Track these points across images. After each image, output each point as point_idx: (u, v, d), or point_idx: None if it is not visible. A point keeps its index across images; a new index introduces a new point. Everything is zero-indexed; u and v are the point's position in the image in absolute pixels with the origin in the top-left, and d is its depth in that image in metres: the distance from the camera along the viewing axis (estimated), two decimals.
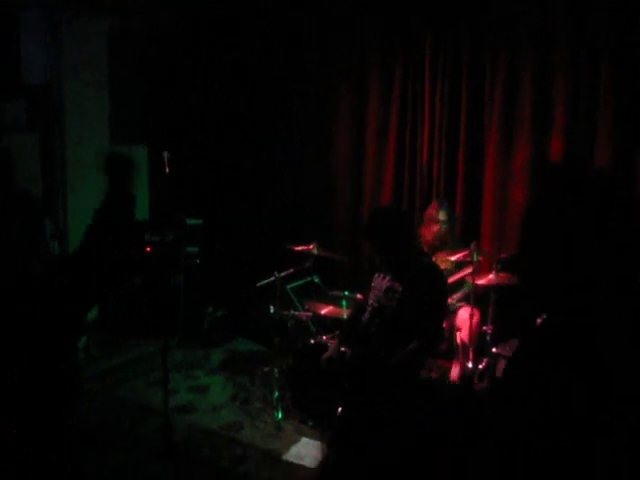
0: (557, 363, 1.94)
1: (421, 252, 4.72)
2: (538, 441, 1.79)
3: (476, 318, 5.33)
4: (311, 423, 5.21)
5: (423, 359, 4.58)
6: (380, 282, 4.45)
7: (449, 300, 5.54)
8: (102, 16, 6.87)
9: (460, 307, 5.50)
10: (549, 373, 1.90)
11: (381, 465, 1.87)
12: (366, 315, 4.47)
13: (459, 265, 5.53)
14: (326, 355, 4.77)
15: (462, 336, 5.34)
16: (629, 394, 1.80)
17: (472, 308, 5.23)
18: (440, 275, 4.41)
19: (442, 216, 5.60)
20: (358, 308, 4.86)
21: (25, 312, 2.14)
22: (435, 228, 5.60)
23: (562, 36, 5.40)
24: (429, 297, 4.14)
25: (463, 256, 5.31)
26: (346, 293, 5.66)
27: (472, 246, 5.14)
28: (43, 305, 2.16)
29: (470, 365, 5.28)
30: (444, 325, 5.39)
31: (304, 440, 5.08)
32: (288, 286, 6.15)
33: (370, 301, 4.46)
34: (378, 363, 4.14)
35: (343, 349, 4.77)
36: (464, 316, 5.34)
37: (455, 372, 5.53)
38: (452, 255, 5.39)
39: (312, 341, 5.33)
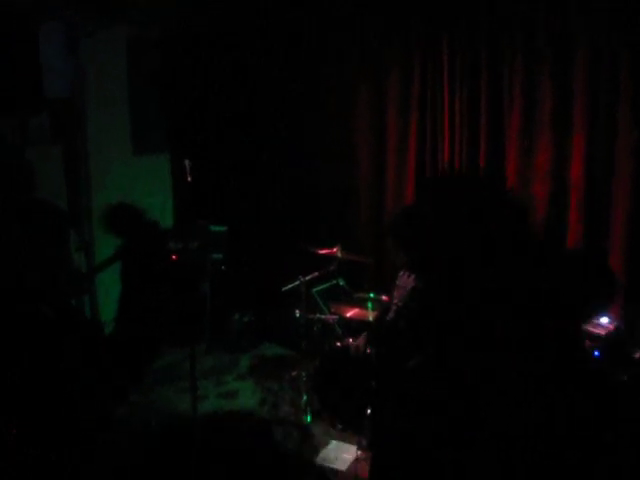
0: None
1: None
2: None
3: None
4: (340, 426, 5.22)
5: None
6: (405, 281, 4.38)
7: None
8: (121, 26, 6.93)
9: None
10: None
11: None
12: (391, 314, 4.41)
13: None
14: (354, 345, 4.74)
15: None
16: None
17: None
18: None
19: None
20: (385, 309, 4.84)
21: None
22: None
23: (580, 36, 5.36)
24: None
25: None
26: (371, 295, 5.64)
27: None
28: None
29: None
30: None
31: (334, 443, 5.10)
32: (313, 290, 6.16)
33: (395, 300, 4.40)
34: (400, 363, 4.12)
35: (369, 350, 4.78)
36: None
37: None
38: None
39: (339, 344, 5.33)
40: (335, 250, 5.72)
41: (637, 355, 4.32)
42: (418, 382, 4.08)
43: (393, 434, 3.92)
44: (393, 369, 4.15)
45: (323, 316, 5.88)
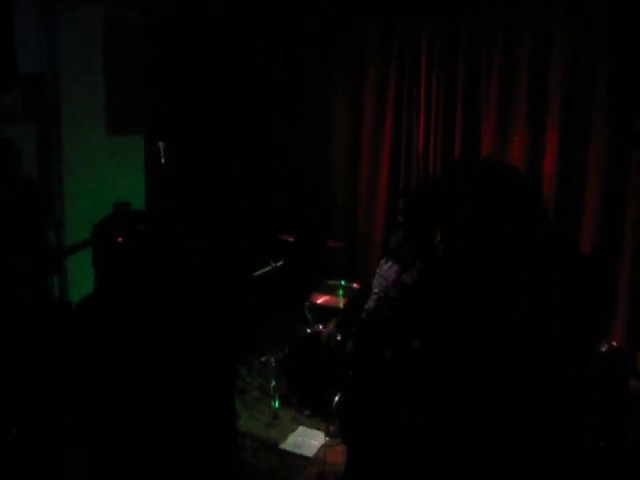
0: None
1: None
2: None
3: None
4: (308, 412, 5.24)
5: None
6: (387, 271, 4.25)
7: None
8: (99, 4, 6.84)
9: None
10: None
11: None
12: (370, 303, 4.31)
13: None
14: (325, 332, 4.67)
15: None
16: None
17: None
18: None
19: None
20: (360, 294, 4.76)
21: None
22: None
23: (559, 31, 5.42)
24: None
25: None
26: (342, 282, 5.66)
27: None
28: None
29: None
30: None
31: (301, 429, 5.11)
32: None
33: (375, 289, 4.29)
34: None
35: (340, 337, 4.76)
36: None
37: None
38: None
39: (308, 330, 5.34)
40: (308, 236, 5.71)
41: (603, 349, 4.38)
42: (398, 372, 4.05)
43: (369, 424, 3.92)
44: (372, 358, 4.09)
45: None
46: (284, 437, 5.00)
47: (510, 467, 1.81)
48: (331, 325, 5.13)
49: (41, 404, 2.00)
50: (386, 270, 4.22)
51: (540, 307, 1.82)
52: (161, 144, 4.88)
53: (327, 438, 4.90)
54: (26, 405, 1.99)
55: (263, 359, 5.93)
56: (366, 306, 4.34)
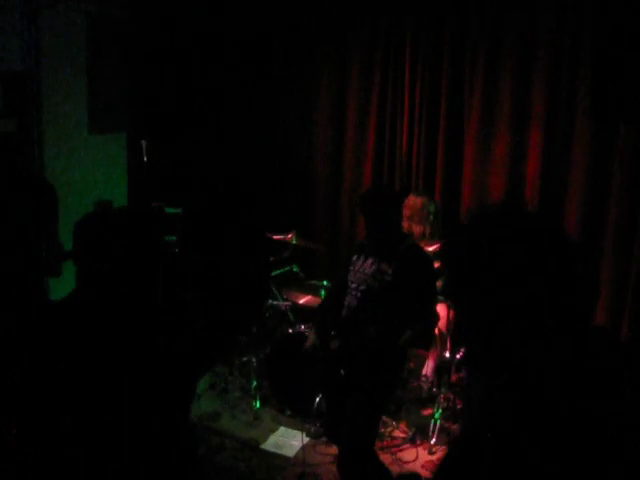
0: None
1: (406, 234, 4.52)
2: None
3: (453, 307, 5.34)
4: (289, 412, 5.23)
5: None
6: (362, 265, 4.20)
7: None
8: (82, 1, 6.79)
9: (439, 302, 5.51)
10: None
11: None
12: (351, 300, 4.25)
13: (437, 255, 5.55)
14: (308, 344, 4.59)
15: (440, 326, 5.36)
16: None
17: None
18: (430, 258, 4.30)
19: (432, 207, 5.55)
20: (331, 294, 4.68)
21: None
22: (422, 223, 5.54)
23: (543, 32, 5.45)
24: (424, 280, 4.04)
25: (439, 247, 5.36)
26: (325, 283, 5.65)
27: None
28: None
29: (447, 355, 5.30)
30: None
31: (282, 429, 5.10)
32: None
33: (353, 285, 4.24)
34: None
35: (323, 338, 4.74)
36: (442, 306, 5.36)
37: (432, 362, 5.57)
38: (430, 245, 5.41)
39: (290, 330, 5.33)
40: (290, 236, 5.71)
41: None
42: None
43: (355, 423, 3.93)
44: (361, 357, 4.06)
45: (276, 302, 5.87)
46: (265, 437, 4.99)
47: None
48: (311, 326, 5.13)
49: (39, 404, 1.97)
50: (361, 265, 4.17)
51: None
52: (143, 142, 4.85)
53: (308, 438, 4.90)
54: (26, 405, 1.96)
55: (245, 359, 5.91)
56: (346, 303, 4.21)
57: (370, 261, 4.12)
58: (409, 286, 3.97)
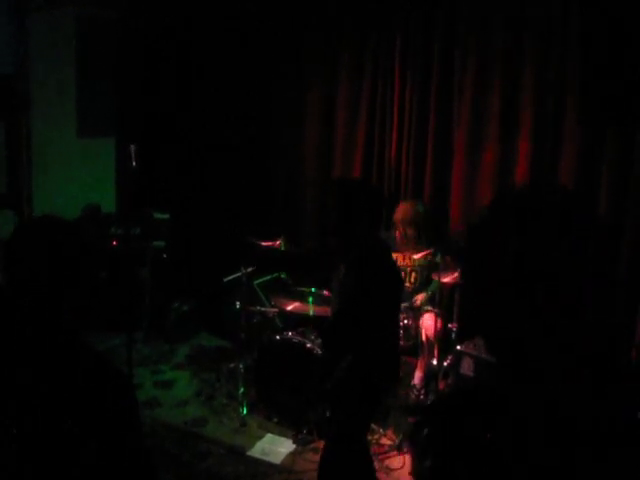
0: None
1: (377, 238, 3.94)
2: None
3: (441, 316, 5.35)
4: (276, 419, 5.22)
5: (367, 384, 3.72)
6: (345, 279, 4.11)
7: (416, 302, 5.54)
8: (71, 4, 6.77)
9: (427, 310, 5.53)
10: None
11: None
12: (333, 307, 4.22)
13: (423, 263, 5.61)
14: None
15: (427, 333, 5.38)
16: None
17: (438, 306, 5.27)
18: (383, 257, 3.83)
19: (421, 208, 5.63)
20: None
21: None
22: (416, 224, 5.57)
23: (532, 40, 5.47)
24: (353, 279, 3.59)
25: (428, 254, 5.42)
26: (313, 290, 5.65)
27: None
28: None
29: (435, 362, 5.31)
30: (406, 325, 5.37)
31: (269, 436, 5.08)
32: (255, 282, 6.12)
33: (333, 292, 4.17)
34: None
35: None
36: (429, 314, 5.38)
37: (420, 372, 5.57)
38: (416, 253, 5.46)
39: (278, 337, 5.32)
40: (278, 243, 5.70)
41: None
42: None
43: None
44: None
45: (263, 308, 5.86)
46: (252, 444, 4.97)
47: None
48: (300, 332, 5.13)
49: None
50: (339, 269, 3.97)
51: None
52: (132, 147, 4.84)
53: (295, 445, 4.89)
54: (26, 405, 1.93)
55: (232, 365, 5.90)
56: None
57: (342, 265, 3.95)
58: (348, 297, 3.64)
